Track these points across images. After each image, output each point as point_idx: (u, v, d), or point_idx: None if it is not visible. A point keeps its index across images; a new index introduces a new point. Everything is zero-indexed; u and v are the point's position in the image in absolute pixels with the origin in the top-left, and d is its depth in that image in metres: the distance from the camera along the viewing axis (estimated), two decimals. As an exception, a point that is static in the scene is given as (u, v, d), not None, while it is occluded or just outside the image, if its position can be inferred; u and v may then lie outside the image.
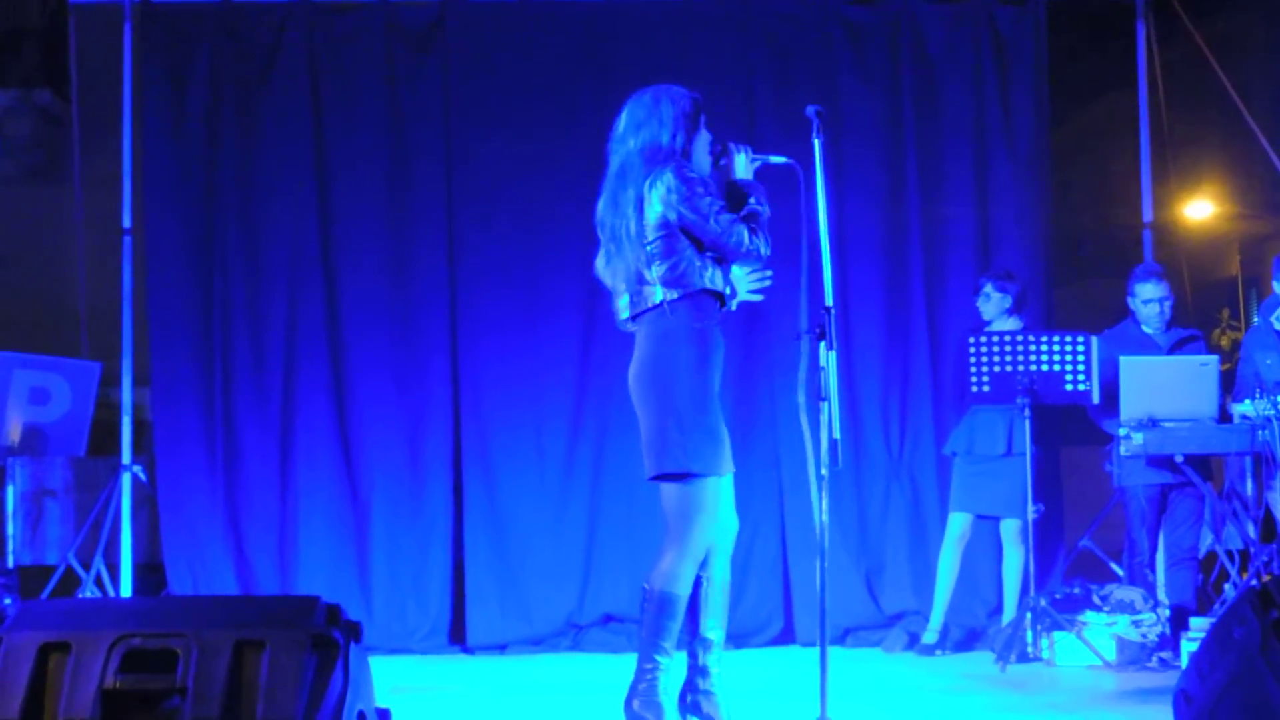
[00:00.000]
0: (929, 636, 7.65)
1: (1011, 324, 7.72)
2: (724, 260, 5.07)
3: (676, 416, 4.92)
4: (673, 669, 5.01)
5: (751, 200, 5.06)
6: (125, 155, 8.19)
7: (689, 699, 5.09)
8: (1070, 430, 8.24)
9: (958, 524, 7.72)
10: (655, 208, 4.96)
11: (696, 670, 5.10)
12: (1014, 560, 7.60)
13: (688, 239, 4.99)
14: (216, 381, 8.03)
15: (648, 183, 4.99)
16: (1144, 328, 7.74)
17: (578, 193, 8.03)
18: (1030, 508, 7.27)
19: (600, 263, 5.21)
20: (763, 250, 5.01)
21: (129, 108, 8.18)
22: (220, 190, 8.12)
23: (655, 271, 5.00)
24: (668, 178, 4.96)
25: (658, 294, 5.00)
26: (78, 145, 8.42)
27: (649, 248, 4.98)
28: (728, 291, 5.13)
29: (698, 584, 5.06)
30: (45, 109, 11.52)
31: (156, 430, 8.08)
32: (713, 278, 5.02)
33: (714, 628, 5.10)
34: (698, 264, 5.00)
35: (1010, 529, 7.61)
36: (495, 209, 8.14)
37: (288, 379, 8.05)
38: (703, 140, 5.16)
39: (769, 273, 5.23)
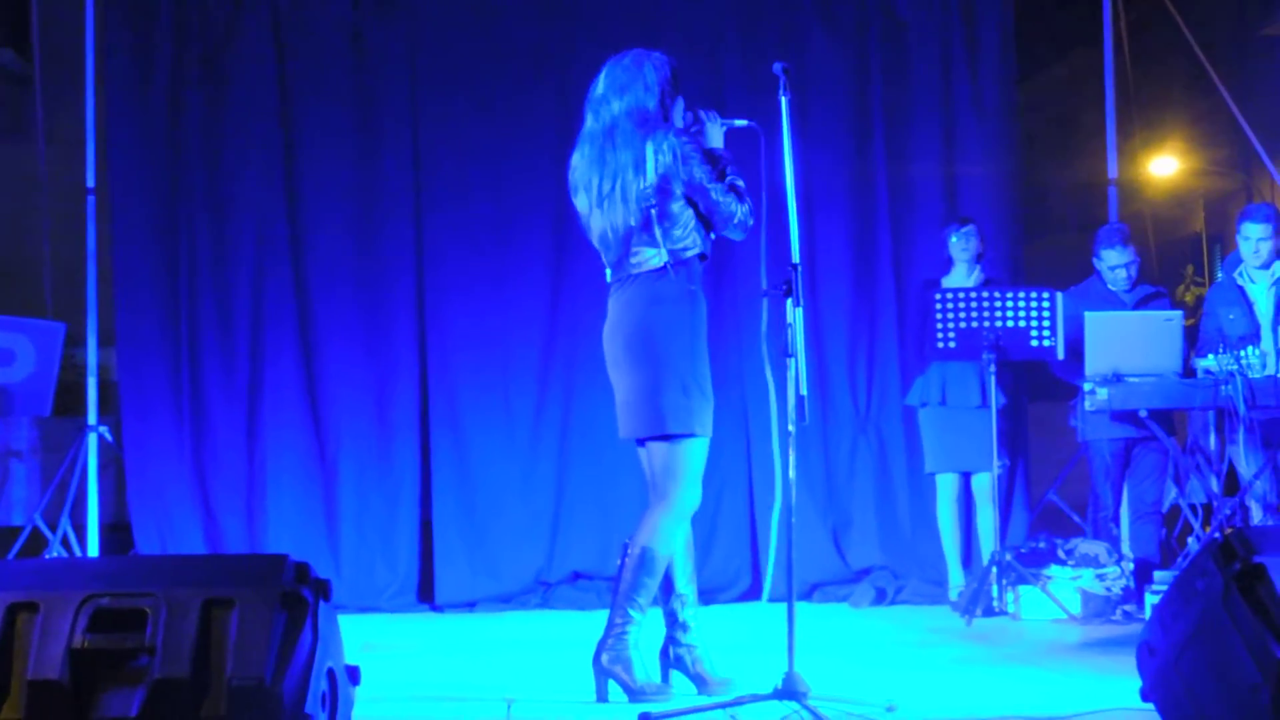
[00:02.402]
0: (955, 595, 7.65)
1: (976, 274, 7.75)
2: (712, 227, 5.10)
3: (678, 378, 4.98)
4: (644, 625, 5.04)
5: (729, 171, 5.08)
6: (89, 114, 8.13)
7: (672, 653, 5.14)
8: (1033, 386, 8.28)
9: (949, 484, 7.74)
10: (657, 171, 4.98)
11: (676, 625, 5.14)
12: (987, 514, 7.63)
13: (686, 203, 5.01)
14: (183, 341, 8.00)
15: (650, 146, 4.99)
16: (1109, 286, 7.78)
17: (545, 152, 8.04)
18: (995, 463, 7.31)
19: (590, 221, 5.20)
20: (749, 222, 5.05)
21: (92, 66, 8.11)
22: (185, 149, 8.07)
23: (657, 234, 5.02)
24: (673, 142, 4.99)
25: (660, 256, 5.03)
26: (40, 104, 8.35)
27: (651, 211, 5.00)
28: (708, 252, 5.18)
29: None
30: (7, 68, 11.43)
31: (122, 390, 8.05)
32: (707, 241, 5.09)
33: (687, 583, 5.15)
34: (694, 227, 5.04)
35: (983, 483, 7.63)
36: (462, 168, 8.12)
37: (254, 338, 8.03)
38: (679, 107, 5.18)
39: None
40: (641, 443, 5.16)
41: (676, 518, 5.02)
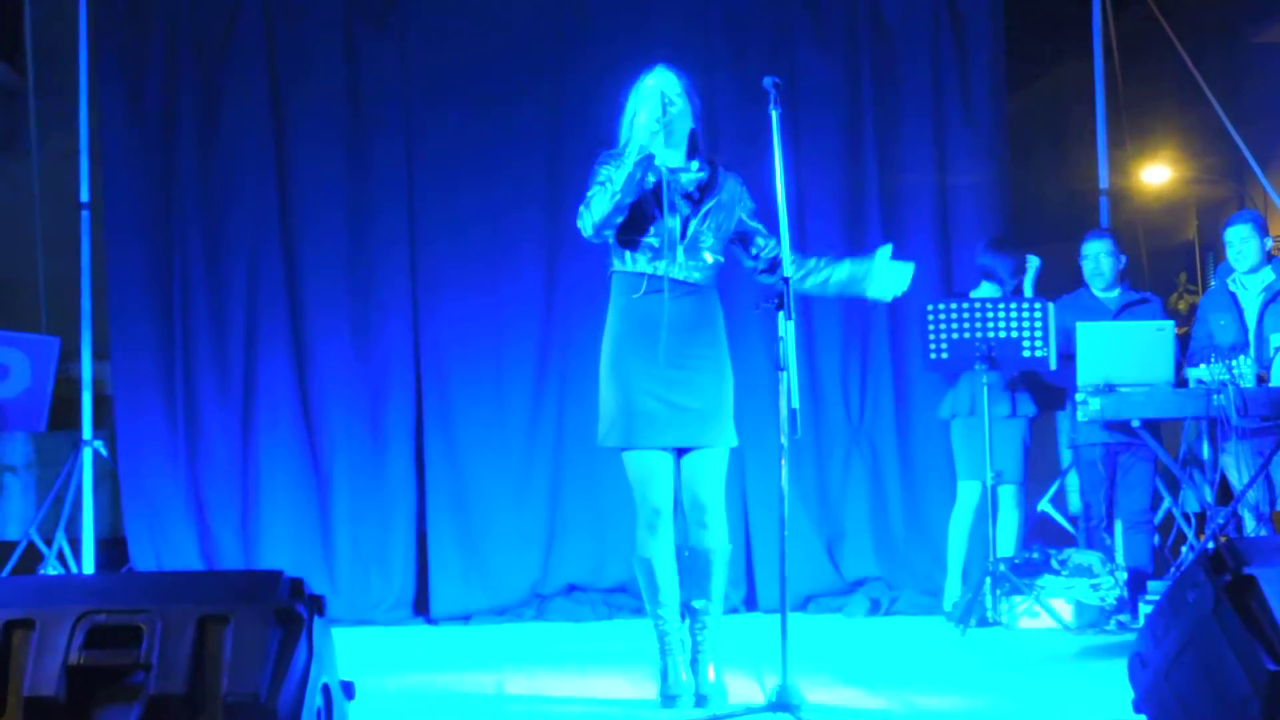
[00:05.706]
0: (948, 605, 7.65)
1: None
2: (637, 243, 5.17)
3: (600, 391, 5.24)
4: (675, 631, 5.19)
5: (600, 169, 5.16)
6: (82, 129, 8.13)
7: (694, 661, 5.25)
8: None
9: (971, 492, 7.68)
10: None
11: (692, 638, 5.26)
12: (1009, 523, 7.62)
13: None
14: (177, 355, 8.01)
15: None
16: (1095, 291, 7.81)
17: (538, 158, 8.09)
18: (989, 473, 7.30)
19: None
20: (583, 229, 5.14)
21: (85, 80, 8.12)
22: (179, 163, 8.08)
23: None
24: None
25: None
26: (34, 119, 8.36)
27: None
28: (650, 271, 5.15)
29: (687, 555, 5.20)
30: (0, 82, 11.42)
31: (117, 404, 8.05)
32: (625, 260, 5.18)
33: (696, 598, 5.20)
34: (612, 245, 5.20)
35: (1007, 492, 7.62)
36: (455, 176, 8.12)
37: (248, 352, 8.04)
38: (629, 115, 5.23)
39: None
40: None
41: (638, 525, 5.21)
